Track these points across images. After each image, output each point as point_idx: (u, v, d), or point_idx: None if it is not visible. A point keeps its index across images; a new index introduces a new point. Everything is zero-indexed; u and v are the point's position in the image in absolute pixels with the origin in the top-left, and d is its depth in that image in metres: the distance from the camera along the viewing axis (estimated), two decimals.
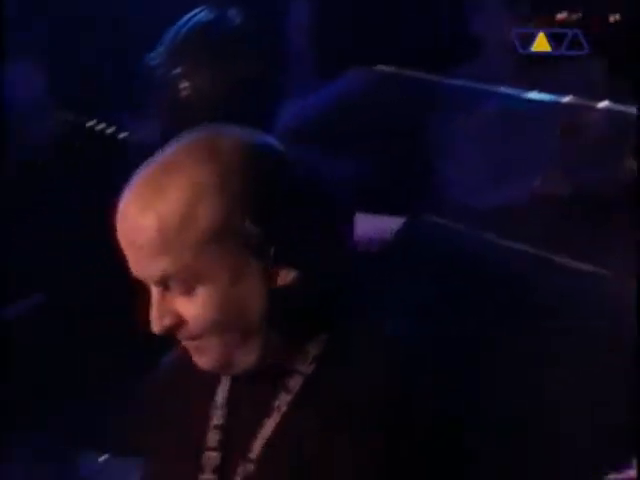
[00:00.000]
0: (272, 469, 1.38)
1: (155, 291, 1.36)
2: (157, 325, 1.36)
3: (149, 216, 1.34)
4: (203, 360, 1.39)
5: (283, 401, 1.39)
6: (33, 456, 2.19)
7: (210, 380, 1.45)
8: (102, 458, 2.17)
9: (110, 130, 2.68)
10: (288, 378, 1.40)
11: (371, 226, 2.48)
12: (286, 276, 1.37)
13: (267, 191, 1.37)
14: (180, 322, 1.36)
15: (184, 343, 1.40)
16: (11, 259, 2.43)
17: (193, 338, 1.38)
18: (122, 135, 2.67)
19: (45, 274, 2.40)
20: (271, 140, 1.44)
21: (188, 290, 1.35)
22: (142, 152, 2.52)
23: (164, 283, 1.35)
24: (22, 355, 2.28)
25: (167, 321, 1.36)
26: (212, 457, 1.42)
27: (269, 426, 1.39)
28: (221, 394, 1.46)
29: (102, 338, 2.30)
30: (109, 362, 2.25)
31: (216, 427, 1.44)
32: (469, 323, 2.10)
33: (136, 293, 1.40)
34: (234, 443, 1.41)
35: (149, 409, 1.55)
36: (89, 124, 2.69)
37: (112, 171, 2.52)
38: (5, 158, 2.56)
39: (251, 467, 1.39)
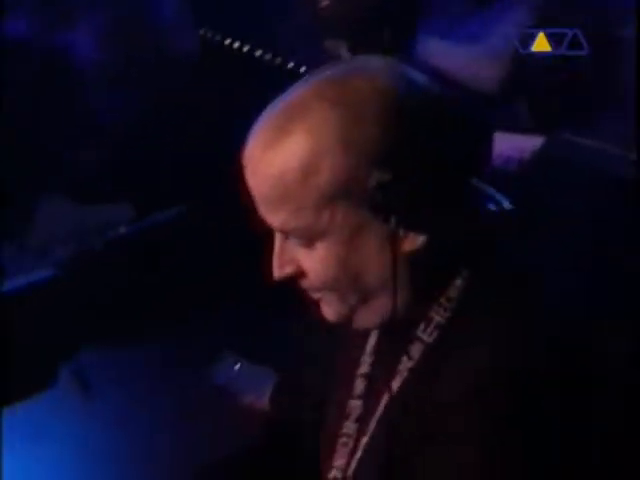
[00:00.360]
0: (388, 433, 1.31)
1: (278, 237, 1.29)
2: (277, 273, 1.29)
3: (269, 166, 1.23)
4: (326, 311, 1.32)
5: (405, 367, 1.31)
6: (168, 364, 2.23)
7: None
8: (237, 366, 2.19)
9: (246, 48, 2.68)
10: (411, 344, 1.31)
11: (510, 145, 2.44)
12: (413, 242, 1.25)
13: (401, 145, 1.21)
14: (300, 272, 1.29)
15: (309, 293, 1.32)
16: (158, 171, 2.47)
17: (314, 290, 1.31)
18: (258, 53, 2.67)
19: (188, 188, 2.44)
20: (416, 76, 1.27)
21: (307, 243, 1.26)
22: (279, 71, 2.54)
23: (284, 233, 1.28)
24: (165, 260, 2.33)
25: (287, 270, 1.29)
26: (356, 406, 1.37)
27: (393, 388, 1.31)
28: (371, 342, 1.40)
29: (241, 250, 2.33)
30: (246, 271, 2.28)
31: (362, 375, 1.38)
32: (615, 248, 2.04)
33: None
34: (372, 396, 1.35)
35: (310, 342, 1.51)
36: (226, 42, 2.70)
37: (249, 90, 2.54)
38: (146, 74, 2.59)
39: (374, 426, 1.34)
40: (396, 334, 1.31)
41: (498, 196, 1.38)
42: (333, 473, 1.38)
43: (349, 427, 1.37)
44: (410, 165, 1.21)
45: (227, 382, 2.18)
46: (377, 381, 1.35)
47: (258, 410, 2.13)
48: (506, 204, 1.38)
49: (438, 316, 1.29)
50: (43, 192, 2.59)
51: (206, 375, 2.19)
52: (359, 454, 1.34)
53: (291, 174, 1.22)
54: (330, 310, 1.31)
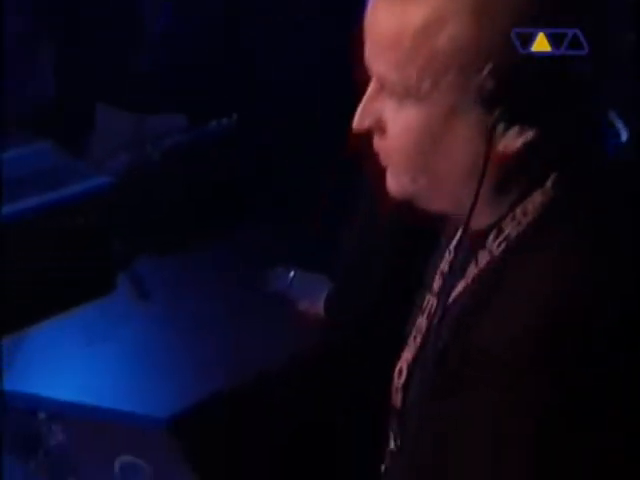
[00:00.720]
0: (439, 339, 1.22)
1: (372, 85, 1.20)
2: (357, 121, 1.21)
3: (394, 11, 1.14)
4: (390, 183, 1.23)
5: (471, 273, 1.22)
6: (224, 270, 2.26)
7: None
8: (291, 273, 2.21)
9: None
10: (480, 251, 1.21)
11: None
12: (509, 143, 1.14)
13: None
14: (379, 129, 1.20)
15: (379, 159, 1.23)
16: (212, 81, 2.46)
17: (385, 155, 1.21)
18: None
19: (241, 98, 2.43)
20: None
21: (400, 101, 1.17)
22: None
23: (382, 82, 1.18)
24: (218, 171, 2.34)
25: (367, 122, 1.20)
26: (431, 302, 1.30)
27: (456, 292, 1.23)
28: (455, 238, 1.30)
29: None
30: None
31: (441, 272, 1.30)
32: None
33: None
34: (442, 294, 1.26)
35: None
36: None
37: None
38: None
39: (428, 325, 1.28)
40: (470, 236, 1.22)
41: (617, 123, 1.23)
42: (399, 365, 1.34)
43: (421, 323, 1.31)
44: (534, 61, 1.12)
45: (282, 289, 2.20)
46: (449, 280, 1.27)
47: (313, 316, 2.15)
48: (623, 131, 1.23)
49: (509, 229, 1.19)
50: (101, 102, 2.61)
51: (261, 282, 2.21)
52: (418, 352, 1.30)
53: (411, 27, 1.13)
54: (394, 183, 1.23)
